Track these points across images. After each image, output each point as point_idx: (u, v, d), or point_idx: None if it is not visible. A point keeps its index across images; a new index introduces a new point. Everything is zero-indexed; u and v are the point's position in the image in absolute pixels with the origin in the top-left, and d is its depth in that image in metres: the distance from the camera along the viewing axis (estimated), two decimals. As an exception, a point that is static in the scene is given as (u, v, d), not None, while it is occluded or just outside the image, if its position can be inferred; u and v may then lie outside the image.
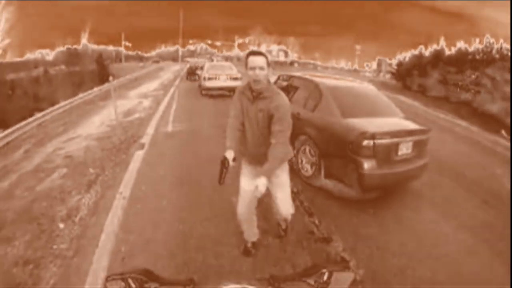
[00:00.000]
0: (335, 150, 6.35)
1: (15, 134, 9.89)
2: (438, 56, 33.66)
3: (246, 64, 3.29)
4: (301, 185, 6.87)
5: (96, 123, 11.84)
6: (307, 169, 7.07)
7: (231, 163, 3.36)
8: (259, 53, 3.27)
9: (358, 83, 8.75)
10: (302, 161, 7.23)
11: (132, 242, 4.56)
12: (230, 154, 3.41)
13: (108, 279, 1.36)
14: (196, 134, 10.50)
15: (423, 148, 6.66)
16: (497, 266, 4.63)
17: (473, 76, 25.60)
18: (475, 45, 30.44)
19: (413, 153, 6.42)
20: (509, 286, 4.64)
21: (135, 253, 4.34)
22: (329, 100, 6.92)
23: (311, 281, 1.50)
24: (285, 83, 8.90)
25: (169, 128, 11.06)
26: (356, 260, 4.62)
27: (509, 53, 27.22)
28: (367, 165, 5.82)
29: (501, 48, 28.92)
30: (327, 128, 6.62)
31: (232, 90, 18.98)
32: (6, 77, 25.30)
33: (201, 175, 6.98)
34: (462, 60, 29.99)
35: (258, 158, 3.57)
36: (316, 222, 5.51)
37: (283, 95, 3.43)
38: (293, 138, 7.14)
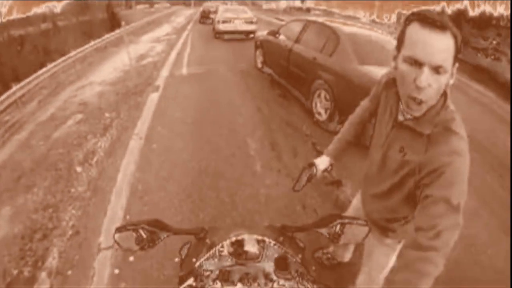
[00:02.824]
0: (350, 96, 6.28)
1: (28, 87, 9.94)
2: (460, 15, 32.76)
3: (398, 45, 1.60)
4: (314, 129, 6.93)
5: (110, 69, 11.82)
6: (322, 113, 7.09)
7: (319, 173, 2.48)
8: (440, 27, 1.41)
9: (376, 32, 8.53)
10: (316, 105, 7.24)
11: (149, 181, 4.66)
12: (322, 163, 2.53)
13: (117, 230, 1.37)
14: (211, 77, 10.42)
15: None
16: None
17: (494, 42, 24.75)
18: (500, 11, 29.42)
19: None
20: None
21: (152, 191, 4.44)
22: (346, 46, 6.84)
23: (324, 232, 1.50)
24: (300, 28, 8.80)
25: (184, 71, 10.99)
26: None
27: None
28: None
29: None
30: (342, 73, 6.56)
31: (246, 33, 18.91)
32: (14, 33, 25.23)
33: (217, 117, 7.03)
34: (485, 24, 29.15)
35: (371, 212, 2.31)
36: None
37: (460, 138, 1.63)
38: (309, 83, 7.36)
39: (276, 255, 1.35)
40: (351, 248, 3.26)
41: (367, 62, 6.42)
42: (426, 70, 1.42)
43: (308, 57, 7.61)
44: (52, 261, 3.48)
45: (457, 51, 1.45)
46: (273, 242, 1.37)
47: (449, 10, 34.21)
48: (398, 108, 1.82)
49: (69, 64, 12.36)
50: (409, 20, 1.50)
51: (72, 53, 13.21)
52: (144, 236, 1.37)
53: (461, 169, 1.53)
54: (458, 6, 32.99)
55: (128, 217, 3.95)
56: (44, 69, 11.30)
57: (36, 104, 9.21)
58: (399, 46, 1.58)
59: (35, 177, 5.05)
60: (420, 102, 1.54)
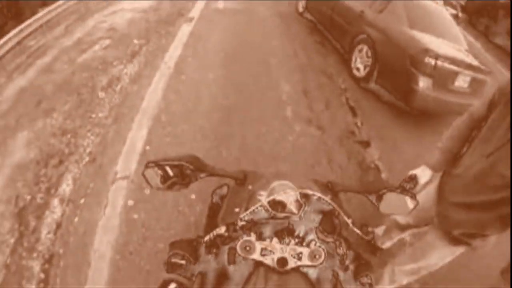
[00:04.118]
0: (394, 58, 6.14)
1: (55, 12, 9.78)
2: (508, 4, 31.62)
3: None
4: (350, 84, 6.74)
5: None
6: (360, 70, 6.88)
7: (419, 187, 2.29)
8: None
9: (432, 1, 8.19)
10: (356, 60, 7.02)
11: (174, 112, 4.51)
12: (424, 175, 2.29)
13: (148, 165, 1.27)
14: (250, 15, 10.06)
15: (480, 88, 6.36)
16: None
17: None
18: None
19: (469, 88, 6.18)
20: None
21: (176, 123, 4.29)
22: (399, 6, 6.64)
23: (371, 198, 1.44)
24: None
25: (221, 5, 10.55)
26: (388, 171, 4.60)
27: None
28: (422, 83, 5.69)
29: None
30: (390, 33, 6.36)
31: None
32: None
33: (251, 55, 6.81)
34: None
35: (448, 220, 2.13)
36: (359, 123, 5.48)
37: None
38: (352, 36, 7.15)
39: (318, 213, 1.27)
40: (395, 239, 3.13)
41: (418, 28, 6.26)
42: None
43: (356, 10, 7.37)
44: (66, 188, 3.40)
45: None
46: (320, 197, 1.27)
47: None
48: None
49: (101, -10, 12.15)
50: None
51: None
52: (176, 174, 1.29)
53: None
54: None
55: (148, 147, 3.82)
56: (73, -6, 11.13)
57: (63, 29, 8.91)
58: None
59: (56, 101, 4.89)
60: None
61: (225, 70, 5.94)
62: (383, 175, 4.54)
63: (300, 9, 10.82)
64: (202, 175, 1.32)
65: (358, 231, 1.32)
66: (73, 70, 5.76)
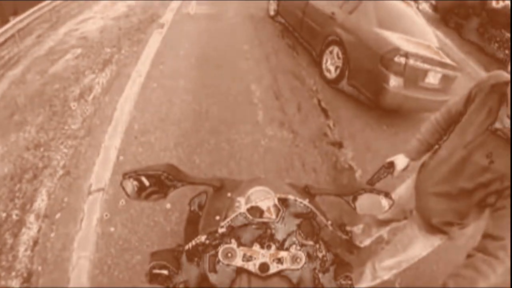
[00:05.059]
0: (364, 58, 6.18)
1: (27, 20, 9.64)
2: (483, 4, 32.54)
3: None
4: (321, 86, 6.77)
5: (114, 3, 11.33)
6: (331, 71, 6.92)
7: (396, 173, 2.44)
8: None
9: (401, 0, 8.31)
10: (327, 61, 7.05)
11: (146, 120, 4.49)
12: (401, 162, 2.44)
13: (125, 176, 1.26)
14: (221, 19, 10.06)
15: (450, 84, 6.52)
16: None
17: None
18: None
19: (439, 85, 6.31)
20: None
21: (149, 131, 4.27)
22: (369, 6, 6.66)
23: (348, 199, 1.47)
24: None
25: (192, 10, 10.57)
26: (362, 170, 4.67)
27: None
28: (393, 81, 5.74)
29: None
30: (361, 34, 6.39)
31: None
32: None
33: (222, 60, 6.80)
34: (506, 17, 29.00)
35: (427, 210, 2.20)
36: (331, 125, 5.51)
37: None
38: (323, 38, 7.15)
39: (297, 217, 1.28)
40: (374, 236, 3.18)
41: (387, 28, 6.29)
42: None
43: (326, 12, 7.35)
44: (41, 203, 3.37)
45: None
46: (298, 200, 1.27)
47: None
48: (498, 114, 1.74)
49: (73, -4, 11.99)
50: None
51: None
52: (153, 184, 1.28)
53: None
54: None
55: (121, 158, 3.79)
56: (44, 3, 10.97)
57: (34, 38, 8.84)
58: None
59: (29, 113, 4.87)
60: None
61: (196, 76, 5.94)
62: (357, 174, 4.60)
63: (272, 13, 10.84)
64: (180, 184, 1.32)
65: (338, 232, 1.37)
66: (45, 81, 5.72)
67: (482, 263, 1.54)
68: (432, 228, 2.15)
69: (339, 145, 5.05)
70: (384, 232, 3.05)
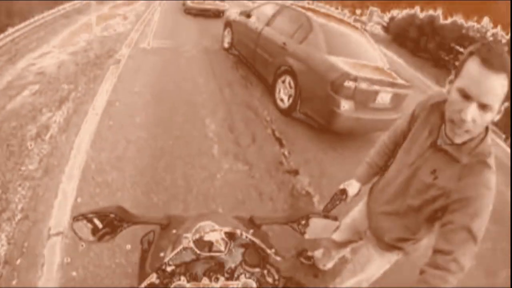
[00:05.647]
0: (315, 85, 6.35)
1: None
2: (431, 21, 34.24)
3: (456, 72, 1.63)
4: (275, 115, 6.95)
5: (73, 38, 11.14)
6: (284, 100, 7.12)
7: (349, 198, 2.45)
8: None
9: (350, 25, 8.60)
10: (280, 91, 7.25)
11: (103, 160, 4.47)
12: (353, 188, 2.45)
13: (75, 219, 1.26)
14: (176, 53, 10.16)
15: (401, 102, 6.77)
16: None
17: (461, 50, 25.83)
18: (472, 23, 31.32)
19: (390, 104, 6.54)
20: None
21: (106, 171, 4.26)
22: (319, 35, 6.86)
23: (294, 226, 1.51)
24: (273, 11, 8.79)
25: (148, 44, 10.65)
26: (320, 196, 4.80)
27: (503, 40, 28.22)
28: (344, 106, 5.92)
29: (497, 33, 29.86)
30: (311, 62, 6.57)
31: (217, 12, 18.76)
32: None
33: (177, 95, 6.90)
34: (454, 32, 30.69)
35: (379, 229, 2.30)
36: (286, 153, 5.66)
37: (492, 173, 1.68)
38: (275, 68, 7.37)
39: (244, 248, 1.31)
40: (336, 258, 3.25)
41: (337, 53, 6.46)
42: (473, 106, 1.49)
43: (278, 42, 7.60)
44: (1, 248, 3.27)
45: (509, 91, 1.48)
46: (243, 234, 1.31)
47: (421, 15, 35.84)
48: (440, 131, 1.84)
49: (31, 30, 11.82)
50: (471, 52, 1.52)
51: (36, 18, 12.66)
52: (104, 225, 1.29)
53: (488, 203, 1.62)
54: (432, 12, 34.61)
55: (79, 199, 3.75)
56: (3, 34, 10.81)
57: (-9, 72, 8.70)
58: (457, 74, 1.60)
59: (-15, 154, 4.77)
60: (461, 129, 1.60)
61: (152, 113, 5.97)
62: (315, 200, 4.73)
63: (226, 45, 11.03)
64: (126, 224, 1.34)
65: (274, 263, 1.34)
66: (3, 118, 5.60)
67: (434, 278, 1.56)
68: (387, 246, 2.25)
69: (295, 172, 5.18)
70: (346, 252, 3.16)
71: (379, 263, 2.39)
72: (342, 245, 2.95)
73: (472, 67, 1.48)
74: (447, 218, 1.67)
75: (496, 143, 15.50)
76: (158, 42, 11.04)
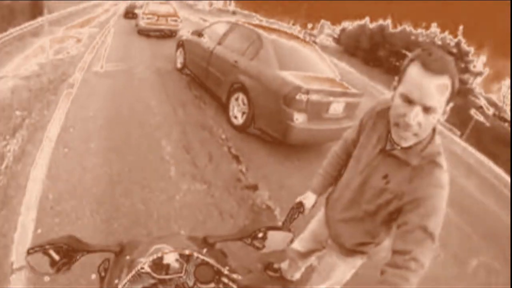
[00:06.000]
0: (268, 101, 6.46)
1: None
2: (381, 30, 35.41)
3: (399, 78, 1.70)
4: (231, 133, 7.04)
5: (26, 62, 10.86)
6: (238, 117, 7.22)
7: (307, 211, 2.47)
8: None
9: (300, 39, 8.86)
10: (233, 108, 7.35)
11: (60, 189, 4.41)
12: (309, 200, 2.48)
13: (29, 251, 1.23)
14: (129, 75, 10.15)
15: (354, 111, 7.00)
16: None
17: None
18: (420, 30, 32.61)
19: (344, 113, 6.75)
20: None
21: (64, 200, 4.21)
22: (269, 50, 6.98)
23: (247, 241, 1.49)
24: (224, 30, 8.89)
25: (101, 67, 10.57)
26: (280, 208, 4.90)
27: (451, 43, 29.42)
28: (297, 119, 6.05)
29: (445, 37, 31.14)
30: (262, 78, 6.68)
31: (169, 32, 18.93)
32: None
33: (131, 119, 6.89)
34: (404, 39, 31.86)
35: (339, 236, 2.34)
36: (244, 170, 5.73)
37: (442, 172, 1.72)
38: (227, 86, 7.48)
39: (198, 268, 1.30)
40: (303, 268, 3.29)
41: (288, 68, 6.61)
42: (417, 109, 1.54)
43: (229, 60, 7.71)
44: None
45: (453, 92, 1.54)
46: (196, 255, 1.31)
47: (371, 25, 36.96)
48: (388, 137, 1.89)
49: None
50: (412, 58, 1.59)
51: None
52: (59, 256, 1.27)
53: (441, 201, 1.65)
54: (381, 22, 35.85)
55: (39, 231, 3.70)
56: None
57: None
58: (399, 80, 1.65)
59: None
60: (406, 132, 1.64)
61: (106, 138, 5.93)
62: (276, 213, 4.83)
63: (179, 65, 11.07)
64: (79, 254, 1.32)
65: (231, 281, 1.31)
66: (-44, 149, 5.51)
67: (394, 277, 1.56)
68: (349, 251, 2.30)
69: (254, 187, 5.27)
70: (314, 260, 3.19)
71: (344, 269, 2.44)
72: (306, 255, 3.00)
73: (414, 72, 1.55)
74: (402, 219, 1.71)
75: (454, 141, 16.11)
76: (111, 64, 11.00)
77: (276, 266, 3.66)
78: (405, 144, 1.74)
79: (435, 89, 1.50)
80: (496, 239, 7.01)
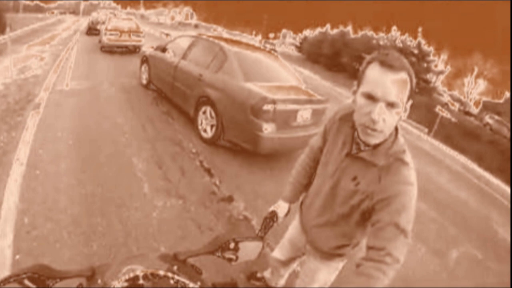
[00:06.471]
0: (236, 112, 6.50)
1: None
2: (343, 36, 36.16)
3: (358, 81, 1.74)
4: (201, 146, 7.06)
5: None
6: (207, 131, 7.24)
7: (280, 219, 2.49)
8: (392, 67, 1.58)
9: (263, 50, 8.97)
10: (202, 122, 7.37)
11: (35, 212, 4.31)
12: (282, 209, 2.50)
13: (0, 284, 1.20)
14: (95, 93, 10.03)
15: (321, 116, 7.10)
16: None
17: None
18: (381, 34, 33.48)
19: (311, 120, 6.84)
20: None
21: (40, 223, 4.11)
22: (233, 63, 7.03)
23: (218, 254, 1.48)
24: (188, 44, 8.91)
25: (67, 86, 10.40)
26: (258, 217, 4.93)
27: (412, 44, 30.31)
28: (266, 128, 6.11)
29: (405, 39, 32.11)
30: (229, 90, 6.73)
31: (133, 47, 18.87)
32: None
33: (100, 137, 6.80)
34: (365, 44, 32.65)
35: (316, 241, 2.35)
36: (217, 182, 5.74)
37: (409, 169, 1.77)
38: (194, 100, 7.47)
39: (168, 286, 1.29)
40: (286, 274, 3.27)
41: (253, 79, 6.66)
42: (380, 105, 1.59)
43: (194, 74, 7.72)
44: None
45: (412, 89, 1.63)
46: (164, 273, 1.30)
47: (332, 32, 37.59)
48: (352, 140, 1.93)
49: None
50: (370, 61, 1.66)
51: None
52: (31, 286, 1.23)
53: (411, 197, 1.70)
54: (342, 28, 36.57)
55: (17, 257, 3.59)
56: None
57: None
58: (359, 83, 1.71)
59: None
60: (374, 130, 1.67)
61: (77, 158, 5.84)
62: (254, 222, 4.85)
63: (144, 81, 11.00)
64: (51, 282, 1.27)
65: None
66: None
67: (371, 269, 1.60)
68: (328, 255, 2.32)
69: (229, 199, 5.29)
70: (296, 266, 3.16)
71: (327, 272, 2.46)
72: (287, 262, 2.99)
73: (373, 71, 1.61)
74: (375, 218, 1.75)
75: (422, 138, 16.47)
76: (76, 83, 10.85)
77: (259, 275, 3.66)
78: (373, 142, 1.77)
79: (396, 84, 1.57)
80: (473, 230, 7.25)
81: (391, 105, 1.59)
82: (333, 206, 2.09)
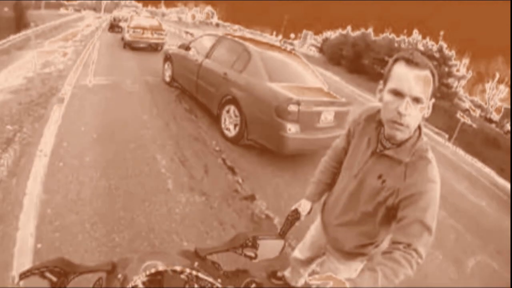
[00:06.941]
0: (260, 112, 6.46)
1: None
2: (364, 38, 36.03)
3: (384, 80, 1.80)
4: (224, 145, 7.00)
5: (13, 75, 10.67)
6: (231, 129, 7.20)
7: (302, 217, 2.48)
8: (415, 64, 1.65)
9: (286, 51, 8.94)
10: (225, 121, 7.33)
11: (58, 203, 4.25)
12: (304, 207, 2.49)
13: (22, 276, 1.17)
14: (117, 89, 10.02)
15: (344, 119, 7.06)
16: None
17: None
18: (402, 37, 33.36)
19: (334, 122, 6.80)
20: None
21: (63, 214, 4.05)
22: (258, 63, 7.01)
23: (239, 251, 1.47)
24: (212, 43, 8.89)
25: (90, 81, 10.37)
26: (279, 217, 4.85)
27: (433, 48, 30.17)
28: (290, 129, 6.06)
29: (427, 43, 31.99)
30: (253, 90, 6.69)
31: (155, 45, 18.96)
32: None
33: (124, 133, 6.75)
34: (387, 46, 32.52)
35: (338, 240, 2.34)
36: (240, 180, 5.68)
37: (433, 167, 1.80)
38: (218, 98, 7.43)
39: (189, 283, 1.27)
40: (305, 274, 3.21)
41: (277, 80, 6.63)
42: (407, 100, 1.65)
43: (219, 72, 7.67)
44: None
45: (434, 87, 1.69)
46: (184, 270, 1.28)
47: (354, 34, 37.52)
48: (378, 139, 1.98)
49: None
50: (396, 60, 1.73)
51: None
52: (52, 279, 1.21)
53: (435, 195, 1.75)
54: (363, 30, 36.43)
55: (39, 246, 3.52)
56: None
57: None
58: (385, 81, 1.77)
59: None
60: (401, 124, 1.71)
61: (100, 152, 5.78)
62: (276, 221, 4.78)
63: (167, 79, 10.97)
64: (72, 276, 1.26)
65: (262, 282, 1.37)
66: None
67: (401, 257, 1.62)
68: (349, 255, 2.31)
69: (252, 198, 5.21)
70: (315, 265, 3.11)
71: (346, 273, 2.39)
72: (307, 262, 2.98)
73: (399, 69, 1.68)
74: (401, 214, 1.77)
75: (443, 144, 16.32)
76: (99, 78, 10.83)
77: (279, 274, 3.61)
78: (399, 137, 1.80)
79: (421, 81, 1.64)
80: (491, 239, 7.06)
81: (416, 100, 1.65)
82: (357, 205, 2.11)
